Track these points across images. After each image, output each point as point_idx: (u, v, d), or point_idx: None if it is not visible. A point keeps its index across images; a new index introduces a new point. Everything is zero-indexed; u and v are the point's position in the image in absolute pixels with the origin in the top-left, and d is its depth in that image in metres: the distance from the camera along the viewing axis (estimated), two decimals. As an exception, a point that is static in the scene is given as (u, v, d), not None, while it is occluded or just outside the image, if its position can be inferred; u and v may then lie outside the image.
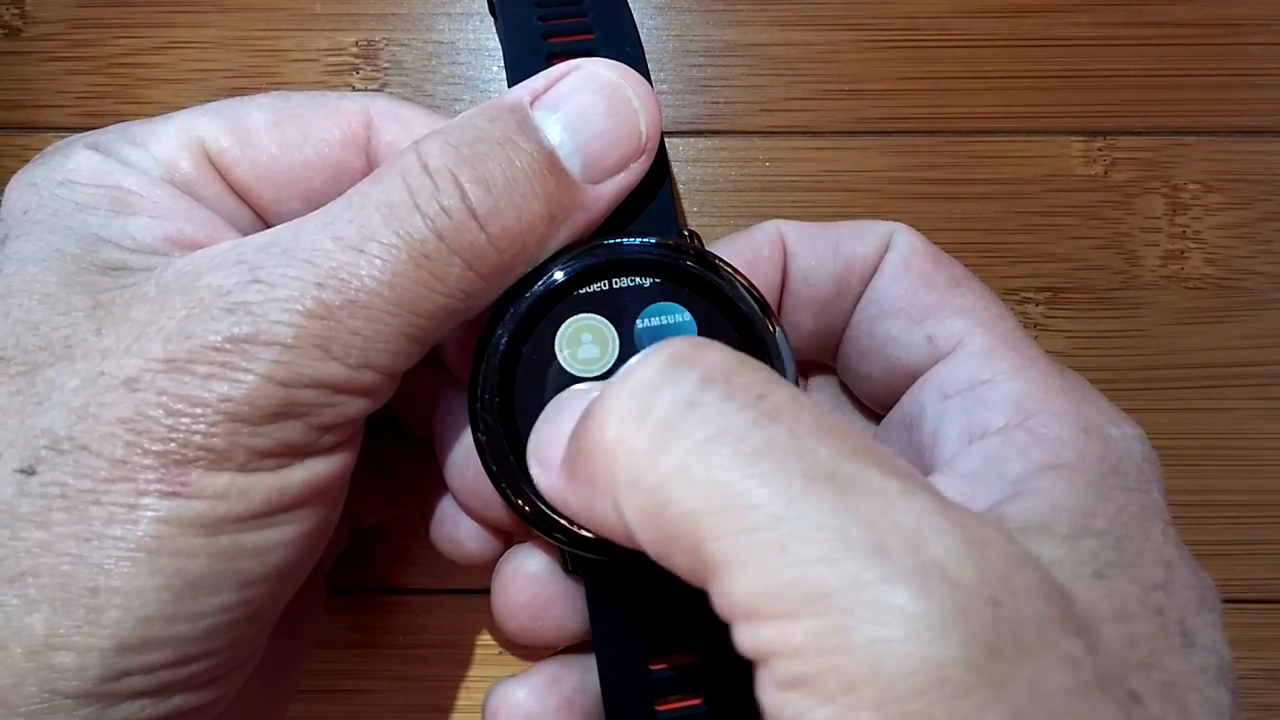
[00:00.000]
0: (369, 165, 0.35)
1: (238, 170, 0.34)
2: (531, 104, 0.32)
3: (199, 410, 0.27)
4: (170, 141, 0.34)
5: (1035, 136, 0.48)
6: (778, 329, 0.33)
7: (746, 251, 0.36)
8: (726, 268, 0.33)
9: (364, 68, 0.49)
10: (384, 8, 0.49)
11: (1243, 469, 0.48)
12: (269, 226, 0.33)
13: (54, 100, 0.49)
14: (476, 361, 0.32)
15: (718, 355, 0.26)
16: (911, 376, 0.35)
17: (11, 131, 0.48)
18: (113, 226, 0.31)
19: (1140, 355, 0.48)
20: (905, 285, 0.36)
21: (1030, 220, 0.48)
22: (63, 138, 0.34)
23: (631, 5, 0.37)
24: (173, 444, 0.27)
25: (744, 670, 0.34)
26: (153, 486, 0.27)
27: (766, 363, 0.31)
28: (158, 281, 0.29)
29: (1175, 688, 0.25)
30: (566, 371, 0.32)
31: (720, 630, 0.34)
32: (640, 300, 0.32)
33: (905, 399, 0.36)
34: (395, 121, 0.35)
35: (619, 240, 0.33)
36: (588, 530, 0.29)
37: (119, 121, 0.35)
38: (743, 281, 0.33)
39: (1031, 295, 0.48)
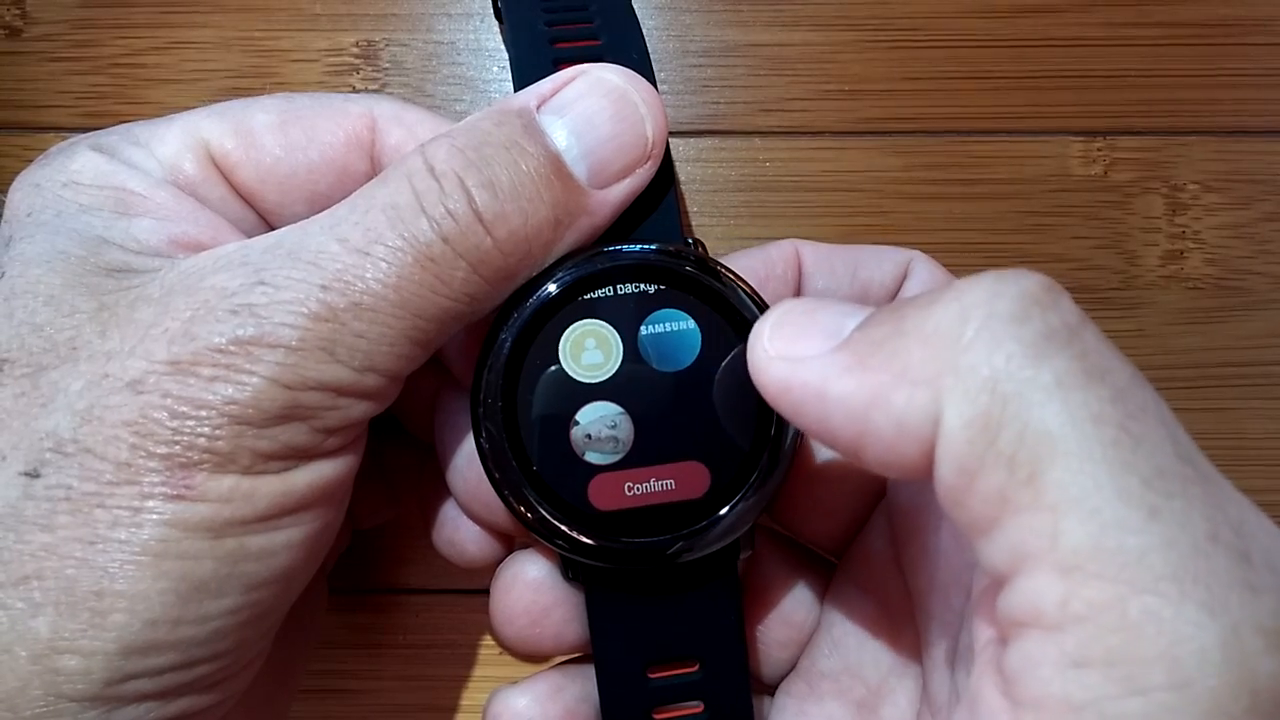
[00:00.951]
0: (373, 168, 0.35)
1: (242, 172, 0.34)
2: (538, 108, 0.32)
3: (203, 413, 0.27)
4: (174, 143, 0.33)
5: (1035, 136, 0.48)
6: None
7: (760, 268, 0.36)
8: (728, 274, 0.33)
9: (364, 68, 0.49)
10: (384, 8, 0.49)
11: (1243, 469, 0.48)
12: (273, 229, 0.33)
13: (54, 100, 0.48)
14: (480, 366, 0.32)
15: (1078, 308, 0.24)
16: None
17: (11, 131, 0.48)
18: (117, 228, 0.31)
19: (1139, 355, 0.48)
20: None
21: (1030, 220, 0.48)
22: (63, 138, 0.34)
23: (633, 5, 0.37)
24: (177, 447, 0.27)
25: (742, 679, 0.34)
26: (157, 490, 0.27)
27: None
28: (162, 283, 0.29)
29: None
30: (570, 377, 0.32)
31: (720, 639, 0.34)
32: (644, 307, 0.32)
33: None
34: (399, 124, 0.35)
35: (623, 247, 0.33)
36: (849, 423, 0.25)
37: (119, 122, 0.35)
38: (745, 288, 0.33)
39: (1031, 295, 0.48)
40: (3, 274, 0.30)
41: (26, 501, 0.27)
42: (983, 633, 0.25)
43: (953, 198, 0.48)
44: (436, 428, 0.37)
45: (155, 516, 0.27)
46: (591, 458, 0.32)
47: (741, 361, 0.29)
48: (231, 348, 0.28)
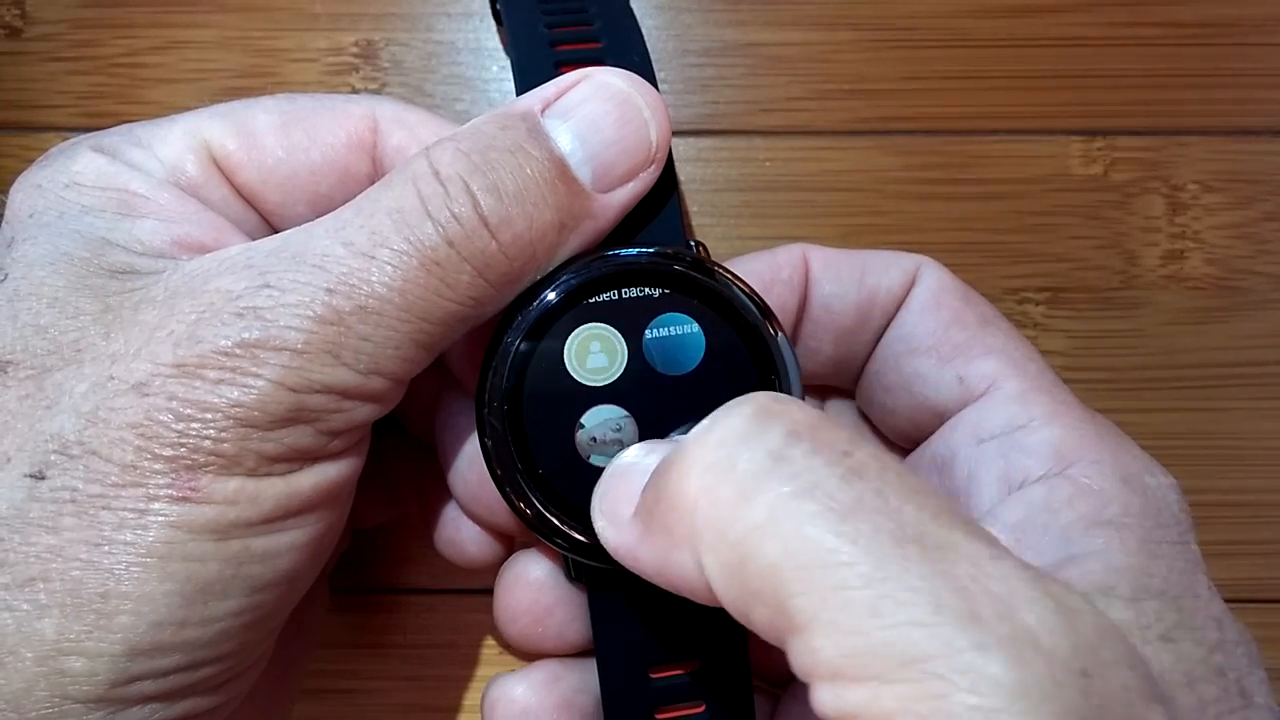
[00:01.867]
0: (375, 169, 0.35)
1: (243, 173, 0.34)
2: (542, 112, 0.32)
3: (209, 415, 0.27)
4: (176, 144, 0.34)
5: (1035, 136, 0.49)
6: (780, 334, 0.33)
7: (766, 271, 0.36)
8: (727, 275, 0.33)
9: (364, 68, 0.49)
10: (384, 8, 0.49)
11: (1243, 469, 0.48)
12: (275, 230, 0.33)
13: (54, 100, 0.48)
14: (484, 368, 0.32)
15: (800, 411, 0.26)
16: (939, 415, 0.35)
17: (11, 132, 0.48)
18: (119, 229, 0.31)
19: (1140, 355, 0.48)
20: (935, 322, 0.36)
21: (1030, 220, 0.48)
22: (63, 138, 0.34)
23: (632, 6, 0.37)
24: (183, 449, 0.27)
25: (744, 680, 0.34)
26: (163, 492, 0.27)
27: (771, 369, 0.32)
28: (166, 285, 0.30)
29: None
30: (574, 380, 0.32)
31: (722, 639, 0.34)
32: (648, 310, 0.32)
33: (935, 440, 0.36)
34: (401, 125, 0.35)
35: (626, 250, 0.33)
36: (656, 582, 0.28)
37: (119, 122, 0.35)
38: (744, 288, 0.33)
39: (1031, 295, 0.48)
40: (5, 276, 0.30)
41: (32, 503, 0.27)
42: None
43: (953, 198, 0.48)
44: (438, 429, 0.37)
45: (161, 518, 0.27)
46: (597, 460, 0.32)
47: (742, 364, 0.30)
48: (237, 350, 0.28)
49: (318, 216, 0.31)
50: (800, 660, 0.23)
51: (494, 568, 0.37)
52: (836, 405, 0.41)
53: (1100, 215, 0.48)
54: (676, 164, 0.46)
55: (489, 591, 0.36)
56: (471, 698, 0.47)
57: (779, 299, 0.36)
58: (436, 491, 0.39)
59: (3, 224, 0.32)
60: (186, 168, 0.33)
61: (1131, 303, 0.48)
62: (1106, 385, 0.48)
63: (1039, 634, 0.22)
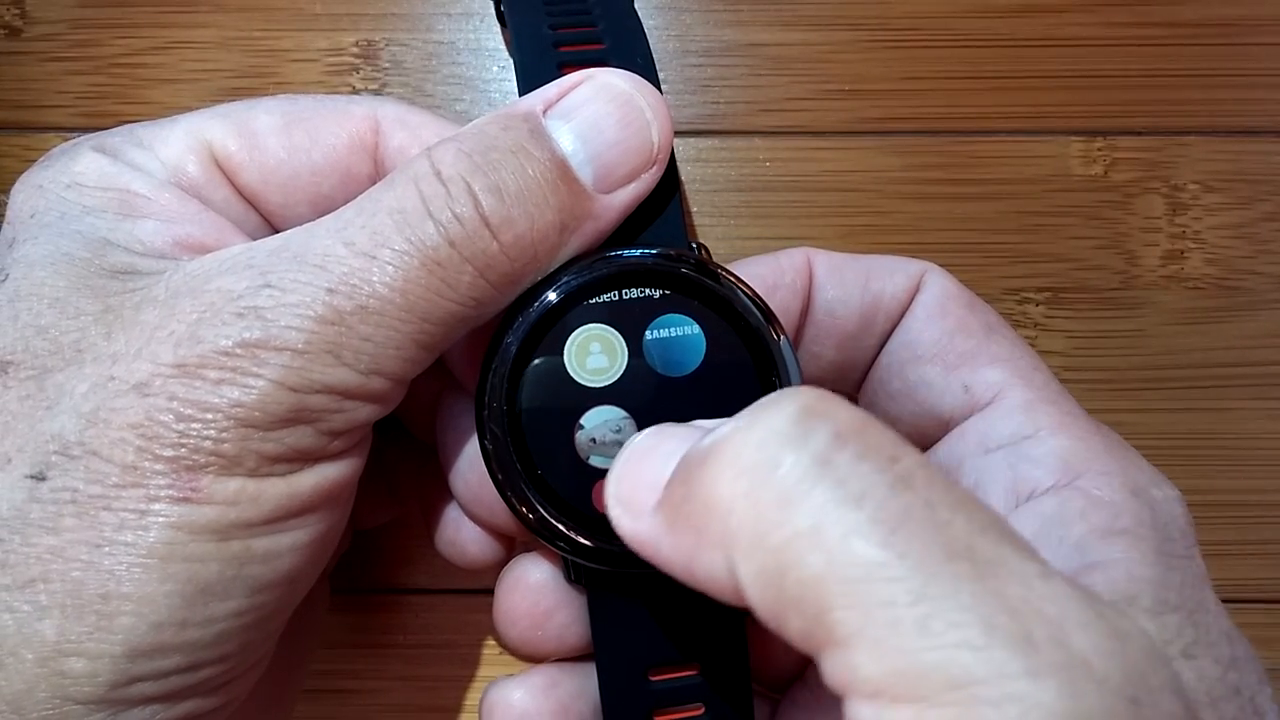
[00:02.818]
0: (376, 170, 0.35)
1: (245, 174, 0.34)
2: (544, 113, 0.32)
3: (210, 415, 0.27)
4: (177, 144, 0.33)
5: (1035, 136, 0.49)
6: (782, 337, 0.33)
7: (769, 275, 0.36)
8: (729, 277, 0.33)
9: (364, 68, 0.49)
10: (384, 8, 0.49)
11: (1243, 469, 0.48)
12: (275, 230, 0.33)
13: (54, 100, 0.48)
14: (484, 369, 0.32)
15: (846, 411, 0.25)
16: (944, 424, 0.35)
17: (11, 132, 0.48)
18: (120, 230, 0.31)
19: (1140, 355, 0.48)
20: (940, 330, 0.35)
21: (1030, 220, 0.48)
22: (63, 138, 0.34)
23: (635, 9, 0.37)
24: (183, 449, 0.27)
25: (744, 684, 0.34)
26: (164, 492, 0.27)
27: (771, 369, 0.32)
28: (167, 285, 0.30)
29: None
30: (575, 381, 0.32)
31: (722, 642, 0.34)
32: (649, 311, 0.32)
33: (940, 448, 0.35)
34: (403, 126, 0.35)
35: (628, 251, 0.33)
36: (680, 578, 0.27)
37: (119, 122, 0.35)
38: (746, 290, 0.33)
39: (1031, 295, 0.48)
40: (6, 276, 0.30)
41: (32, 504, 0.27)
42: None
43: (953, 198, 0.48)
44: (438, 430, 0.37)
45: (161, 519, 0.27)
46: (596, 461, 0.32)
47: (743, 367, 0.30)
48: (238, 350, 0.28)
49: (319, 217, 0.30)
50: (837, 674, 0.23)
51: (495, 569, 0.37)
52: None
53: (1100, 215, 0.48)
54: (677, 164, 0.46)
55: (489, 592, 0.36)
56: (471, 698, 0.47)
57: (782, 303, 0.35)
58: (437, 492, 0.39)
59: (4, 224, 0.32)
60: (188, 168, 0.33)
61: (1132, 303, 0.48)
62: (1107, 385, 0.48)
63: (1092, 660, 0.21)
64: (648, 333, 0.32)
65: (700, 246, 0.34)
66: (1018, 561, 0.23)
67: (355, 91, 0.48)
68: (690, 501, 0.25)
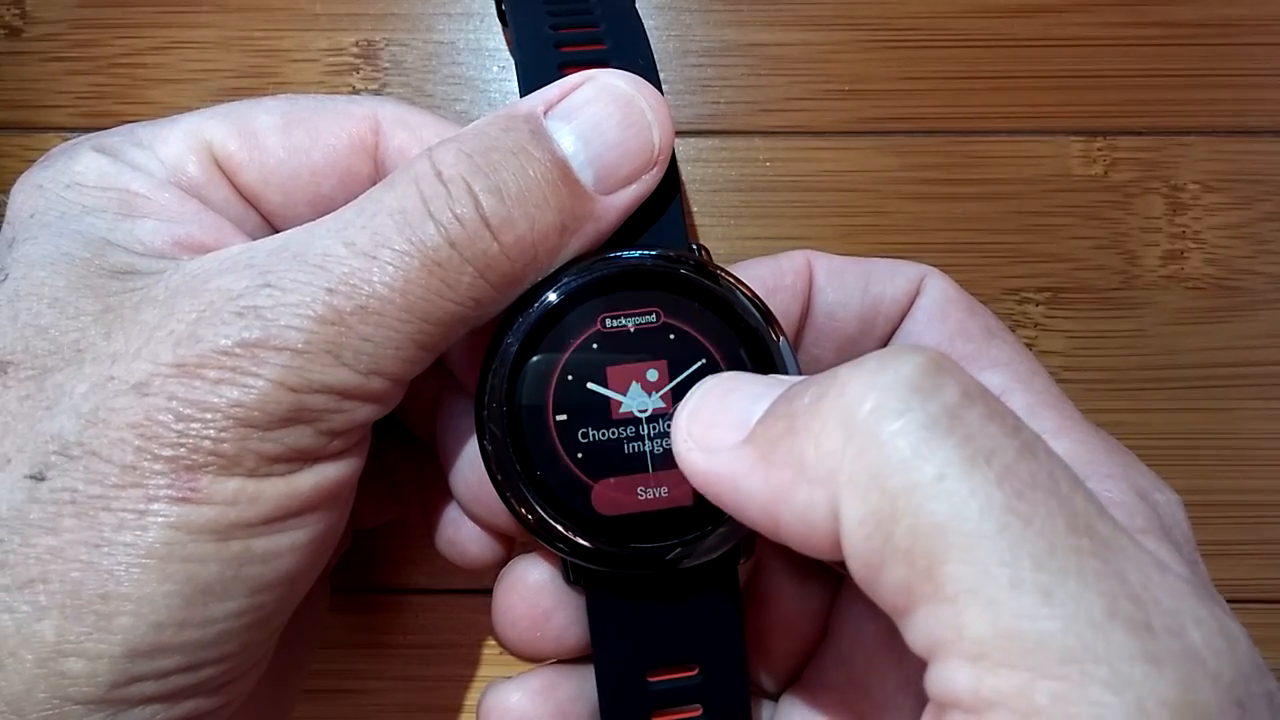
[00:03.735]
0: (376, 171, 0.35)
1: (245, 174, 0.34)
2: (545, 114, 0.32)
3: (209, 415, 0.27)
4: (177, 144, 0.34)
5: (1035, 136, 0.49)
6: (782, 338, 0.33)
7: (770, 277, 0.36)
8: (728, 278, 0.33)
9: (364, 68, 0.49)
10: (384, 8, 0.49)
11: (1243, 469, 0.48)
12: (276, 230, 0.33)
13: (54, 100, 0.48)
14: (484, 370, 0.32)
15: (970, 377, 0.25)
16: None
17: (11, 131, 0.48)
18: (120, 230, 0.31)
19: (1140, 355, 0.48)
20: (940, 334, 0.35)
21: (1030, 220, 0.48)
22: (64, 138, 0.34)
23: (636, 10, 0.37)
24: (183, 449, 0.27)
25: (742, 685, 0.34)
26: (163, 492, 0.27)
27: (771, 371, 0.32)
28: (167, 285, 0.30)
29: None
30: (575, 381, 0.32)
31: (720, 643, 0.34)
32: (650, 313, 0.32)
33: None
34: (404, 127, 0.35)
35: (628, 253, 0.33)
36: (752, 519, 0.26)
37: (120, 122, 0.35)
38: (746, 292, 0.33)
39: (1031, 295, 0.48)
40: (6, 276, 0.30)
41: (32, 505, 0.27)
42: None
43: (953, 198, 0.48)
44: (438, 430, 0.37)
45: (160, 519, 0.27)
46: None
47: (743, 369, 0.31)
48: (237, 350, 0.28)
49: (319, 217, 0.31)
50: (934, 631, 0.22)
51: (495, 568, 0.37)
52: None
53: (1100, 215, 0.48)
54: (678, 165, 0.46)
55: (489, 592, 0.36)
56: (471, 698, 0.48)
57: (782, 305, 0.35)
58: (437, 492, 0.39)
59: (4, 224, 0.32)
60: (188, 168, 0.33)
61: (1132, 303, 0.48)
62: (1106, 385, 0.48)
63: (1206, 656, 0.21)
64: (648, 334, 0.32)
65: (701, 248, 0.34)
66: (1134, 549, 0.23)
67: (355, 91, 0.48)
68: (795, 435, 0.25)
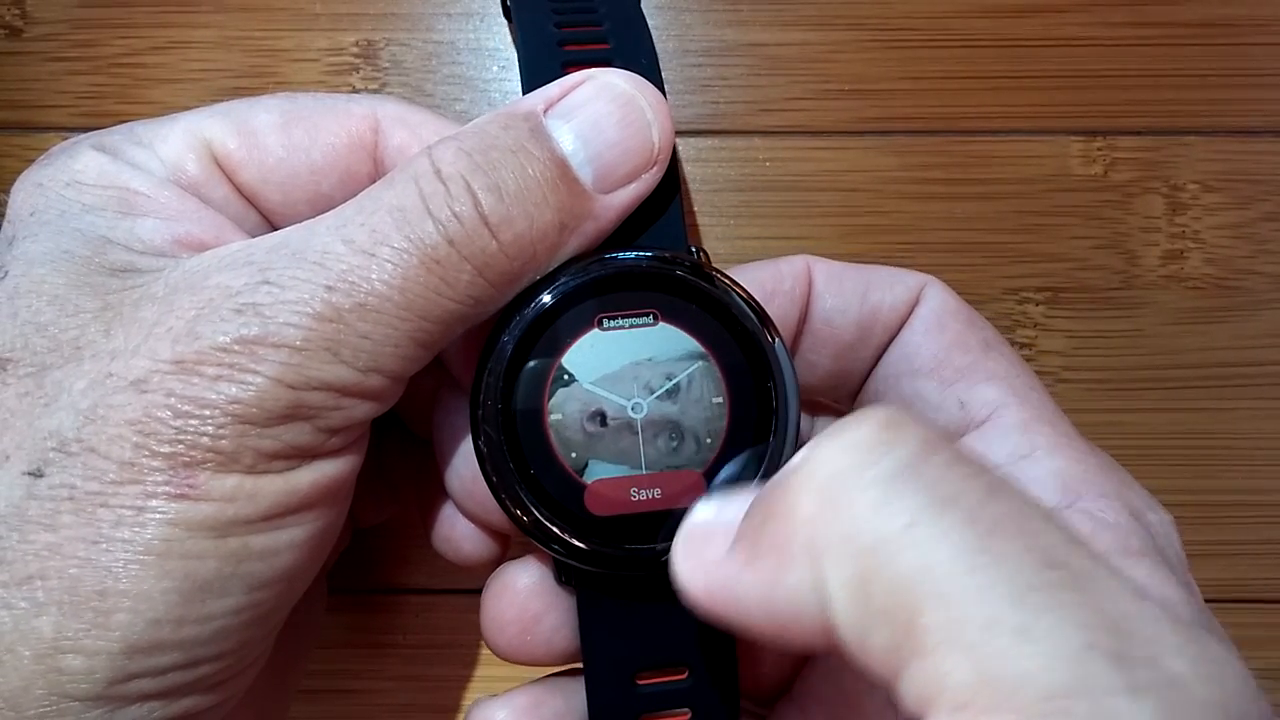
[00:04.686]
0: (376, 169, 0.35)
1: (244, 172, 0.34)
2: (545, 112, 0.32)
3: (207, 412, 0.27)
4: (177, 142, 0.34)
5: (1035, 136, 0.49)
6: (777, 340, 0.33)
7: (768, 281, 0.36)
8: (725, 280, 0.33)
9: (364, 68, 0.49)
10: (384, 8, 0.49)
11: (1243, 469, 0.48)
12: (275, 229, 0.33)
13: (54, 100, 0.48)
14: (480, 369, 0.32)
15: (931, 426, 0.25)
16: None
17: (11, 131, 0.48)
18: (120, 228, 0.31)
19: (1140, 355, 0.48)
20: (937, 345, 0.35)
21: (1030, 220, 0.48)
22: (63, 138, 0.34)
23: (641, 9, 0.37)
24: (181, 446, 0.27)
25: (732, 689, 0.34)
26: (161, 489, 0.27)
27: (766, 373, 0.32)
28: (166, 281, 0.30)
29: None
30: (570, 380, 0.32)
31: (711, 648, 0.34)
32: (645, 315, 0.32)
33: None
34: (403, 125, 0.35)
35: (625, 253, 0.33)
36: (758, 622, 0.26)
37: (119, 122, 0.35)
38: (742, 294, 0.33)
39: (1031, 295, 0.48)
40: (6, 273, 0.30)
41: (30, 501, 0.27)
42: None
43: (953, 198, 0.48)
44: (435, 428, 0.37)
45: (159, 516, 0.27)
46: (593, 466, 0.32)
47: (738, 370, 0.31)
48: (236, 347, 0.28)
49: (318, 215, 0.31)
50: (922, 689, 0.22)
51: (490, 566, 0.37)
52: (825, 423, 0.40)
53: (1100, 215, 0.48)
54: (679, 165, 0.46)
55: (486, 594, 0.36)
56: (471, 698, 0.48)
57: (780, 310, 0.35)
58: (434, 489, 0.39)
59: (4, 222, 0.32)
60: (187, 166, 0.33)
61: (1131, 303, 0.48)
62: (1106, 385, 0.48)
63: (1191, 684, 0.21)
64: (643, 334, 0.32)
65: (700, 251, 0.34)
66: (1110, 579, 0.22)
67: (355, 91, 0.48)
68: (771, 521, 0.25)
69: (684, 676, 0.34)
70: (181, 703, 0.29)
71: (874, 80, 0.49)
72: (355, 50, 0.49)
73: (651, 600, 0.33)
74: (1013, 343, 0.44)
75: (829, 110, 0.49)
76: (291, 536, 0.30)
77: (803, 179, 0.48)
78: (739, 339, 0.33)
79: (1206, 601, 0.30)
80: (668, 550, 0.31)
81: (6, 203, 0.32)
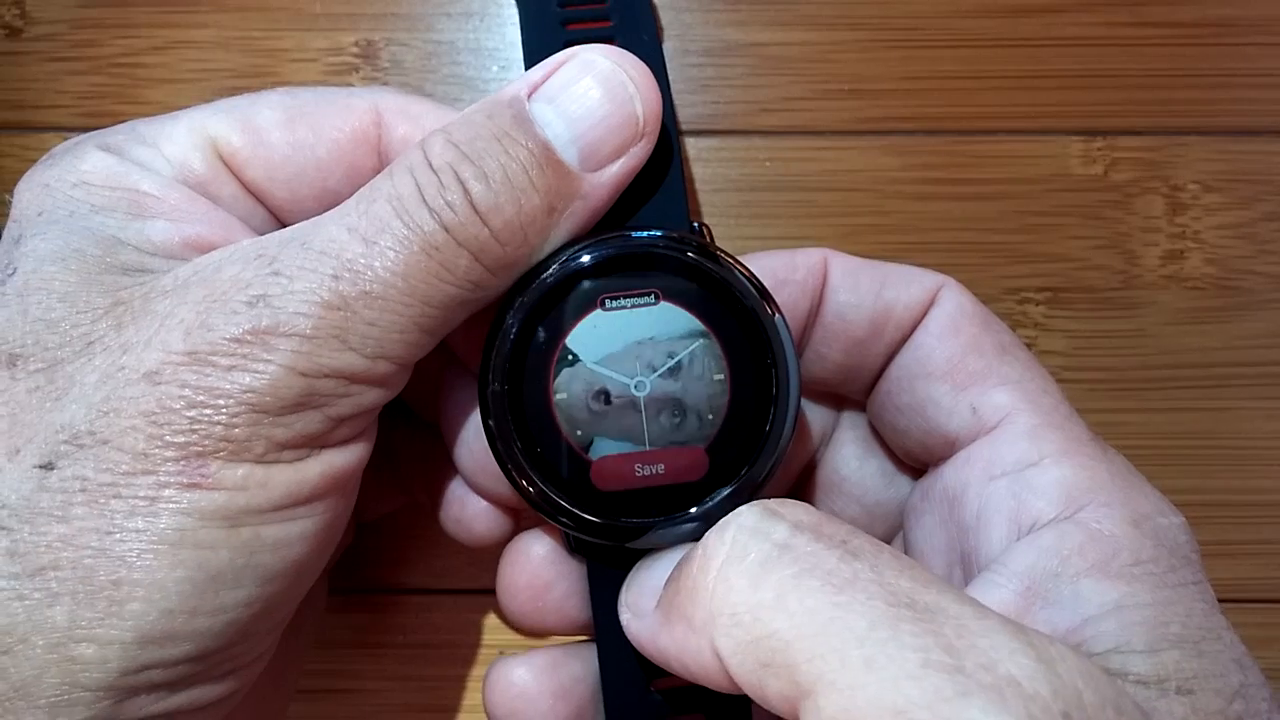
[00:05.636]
0: (380, 163, 0.35)
1: (250, 170, 0.34)
2: (530, 96, 0.32)
3: (221, 402, 0.28)
4: (182, 141, 0.34)
5: (1035, 136, 0.49)
6: (777, 314, 0.33)
7: (781, 269, 0.36)
8: (727, 257, 0.33)
9: (364, 68, 0.49)
10: (384, 8, 0.49)
11: (1243, 469, 0.48)
12: (284, 226, 0.33)
13: (54, 100, 0.48)
14: (487, 350, 0.32)
15: (805, 511, 0.29)
16: (950, 443, 0.35)
17: (11, 131, 0.48)
18: (131, 229, 0.31)
19: (1140, 355, 0.48)
20: (952, 347, 0.35)
21: (1030, 220, 0.48)
22: (63, 138, 0.34)
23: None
24: (194, 436, 0.28)
25: None
26: (173, 479, 0.27)
27: (767, 349, 0.33)
28: (177, 275, 0.30)
29: None
30: (575, 360, 0.32)
31: None
32: (649, 292, 0.33)
33: (947, 471, 0.35)
34: (405, 117, 0.35)
35: (625, 232, 0.33)
36: (678, 670, 0.30)
37: (119, 121, 0.35)
38: (743, 271, 0.33)
39: (1031, 295, 0.48)
40: (14, 270, 0.30)
41: (41, 494, 0.27)
42: None
43: (953, 198, 0.48)
44: (442, 404, 0.37)
45: (172, 505, 0.27)
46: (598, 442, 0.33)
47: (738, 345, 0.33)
48: (249, 337, 0.28)
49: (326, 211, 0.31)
50: None
51: (501, 546, 0.38)
52: (851, 418, 0.41)
53: (1100, 215, 0.48)
54: (676, 139, 0.46)
55: (489, 592, 0.37)
56: (471, 698, 0.47)
57: (789, 299, 0.36)
58: (443, 474, 0.39)
59: (9, 223, 0.32)
60: (194, 165, 0.34)
61: (1131, 303, 0.48)
62: (1106, 385, 0.48)
63: (1020, 680, 0.23)
64: (645, 312, 0.33)
65: (704, 227, 0.35)
66: (956, 606, 0.25)
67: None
68: (679, 594, 0.29)
69: None
70: (190, 693, 0.30)
71: (874, 80, 0.49)
72: (355, 50, 0.49)
73: None
74: (1014, 342, 0.45)
75: (829, 110, 0.49)
76: (302, 528, 0.30)
77: (803, 179, 0.49)
78: (739, 316, 0.33)
79: (1207, 601, 0.30)
80: (671, 523, 0.32)
81: (7, 202, 0.32)
